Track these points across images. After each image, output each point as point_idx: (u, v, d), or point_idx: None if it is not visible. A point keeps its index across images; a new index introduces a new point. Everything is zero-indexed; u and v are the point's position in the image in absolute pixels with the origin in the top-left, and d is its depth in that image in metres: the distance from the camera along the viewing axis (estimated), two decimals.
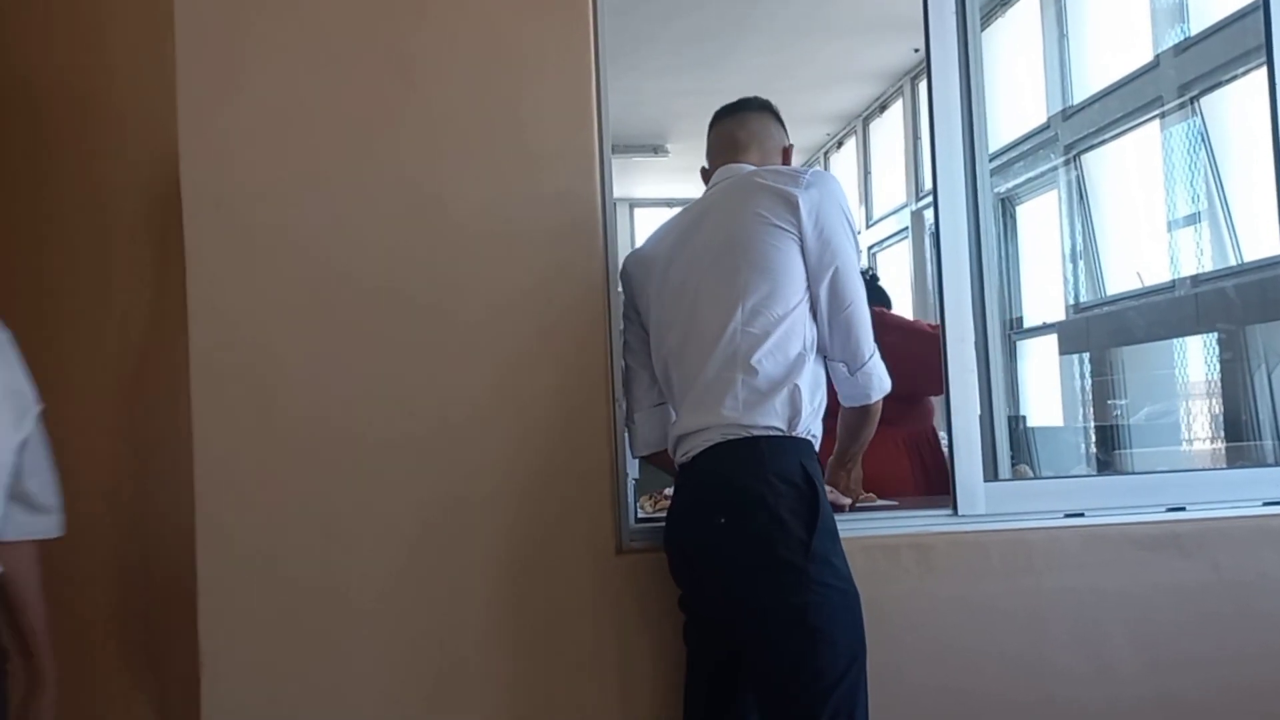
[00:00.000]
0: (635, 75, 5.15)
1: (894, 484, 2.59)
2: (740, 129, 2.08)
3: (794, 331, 1.84)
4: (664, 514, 1.96)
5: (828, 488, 1.93)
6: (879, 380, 1.95)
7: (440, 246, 2.00)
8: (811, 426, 1.84)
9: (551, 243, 2.03)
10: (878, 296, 3.09)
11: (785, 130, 2.15)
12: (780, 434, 1.80)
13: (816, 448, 1.87)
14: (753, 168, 1.99)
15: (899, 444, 2.82)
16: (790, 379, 1.81)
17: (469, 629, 1.97)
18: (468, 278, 2.00)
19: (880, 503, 2.30)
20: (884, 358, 1.98)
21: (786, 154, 2.10)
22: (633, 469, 2.15)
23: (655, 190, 7.56)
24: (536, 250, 2.02)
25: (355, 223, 1.98)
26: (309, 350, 1.97)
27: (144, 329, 2.22)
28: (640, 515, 2.23)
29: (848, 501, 2.18)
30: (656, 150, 6.46)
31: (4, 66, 2.26)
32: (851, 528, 2.10)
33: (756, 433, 1.79)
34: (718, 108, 2.17)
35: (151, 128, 2.18)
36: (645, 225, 7.90)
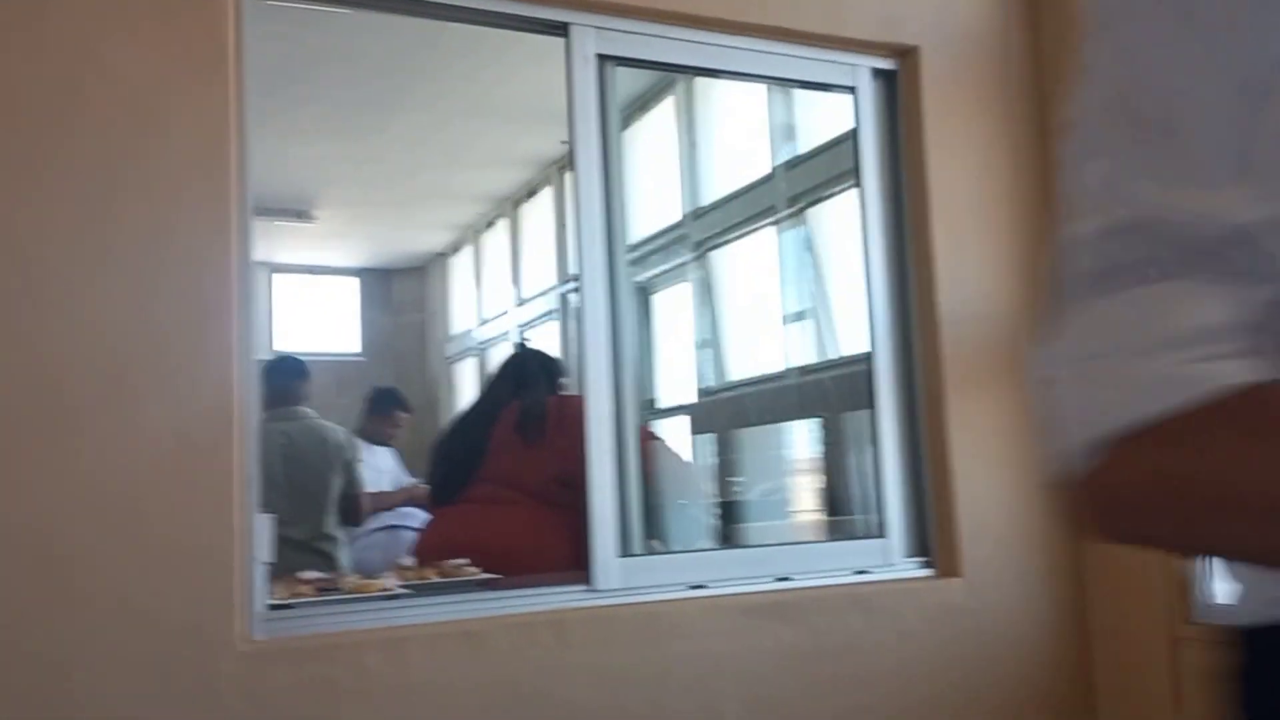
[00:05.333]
0: (281, 136, 4.97)
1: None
2: None
3: None
4: None
5: None
6: None
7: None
8: None
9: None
10: (552, 368, 3.12)
11: None
12: None
13: None
14: None
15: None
16: None
17: None
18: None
19: (480, 576, 2.31)
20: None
21: None
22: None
23: (301, 257, 7.28)
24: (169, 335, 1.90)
25: None
26: None
27: None
28: None
29: None
30: (301, 215, 6.18)
31: None
32: (490, 607, 2.13)
33: None
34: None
35: None
36: (287, 292, 7.53)
